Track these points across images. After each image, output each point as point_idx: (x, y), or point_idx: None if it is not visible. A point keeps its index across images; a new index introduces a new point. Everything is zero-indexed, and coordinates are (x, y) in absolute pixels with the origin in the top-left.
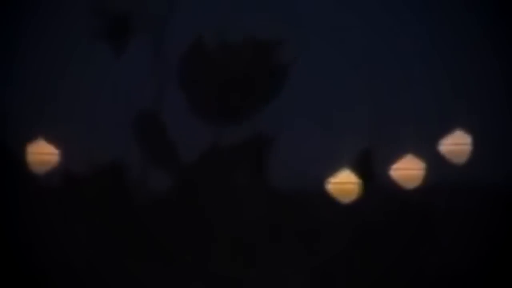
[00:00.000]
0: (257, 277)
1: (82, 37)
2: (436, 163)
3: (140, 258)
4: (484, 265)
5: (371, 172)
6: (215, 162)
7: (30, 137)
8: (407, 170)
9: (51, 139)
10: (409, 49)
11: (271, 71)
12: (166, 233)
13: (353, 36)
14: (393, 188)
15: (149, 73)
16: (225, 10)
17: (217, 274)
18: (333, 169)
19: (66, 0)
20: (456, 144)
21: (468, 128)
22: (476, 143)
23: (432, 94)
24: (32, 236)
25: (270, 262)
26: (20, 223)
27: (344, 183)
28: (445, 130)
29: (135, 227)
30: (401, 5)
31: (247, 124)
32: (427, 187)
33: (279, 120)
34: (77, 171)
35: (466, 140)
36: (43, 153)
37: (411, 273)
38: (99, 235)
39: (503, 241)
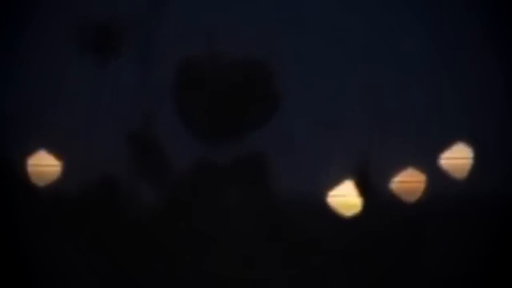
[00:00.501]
0: None
1: (70, 51)
2: (436, 176)
3: (133, 271)
4: (482, 275)
5: (372, 184)
6: (207, 179)
7: (30, 149)
8: (407, 183)
9: (51, 151)
10: (410, 57)
11: (266, 87)
12: (158, 248)
13: (353, 41)
14: (393, 200)
15: (141, 87)
16: (215, 21)
17: None
18: (333, 182)
19: (52, 15)
20: (456, 158)
21: (470, 141)
22: (477, 156)
23: (434, 107)
24: (31, 247)
25: (268, 276)
26: (18, 235)
27: (344, 195)
28: (446, 143)
29: (127, 242)
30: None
31: (243, 139)
32: (427, 200)
33: (278, 135)
34: (70, 185)
35: (467, 154)
36: (43, 165)
37: (408, 284)
38: (92, 249)
39: (502, 253)
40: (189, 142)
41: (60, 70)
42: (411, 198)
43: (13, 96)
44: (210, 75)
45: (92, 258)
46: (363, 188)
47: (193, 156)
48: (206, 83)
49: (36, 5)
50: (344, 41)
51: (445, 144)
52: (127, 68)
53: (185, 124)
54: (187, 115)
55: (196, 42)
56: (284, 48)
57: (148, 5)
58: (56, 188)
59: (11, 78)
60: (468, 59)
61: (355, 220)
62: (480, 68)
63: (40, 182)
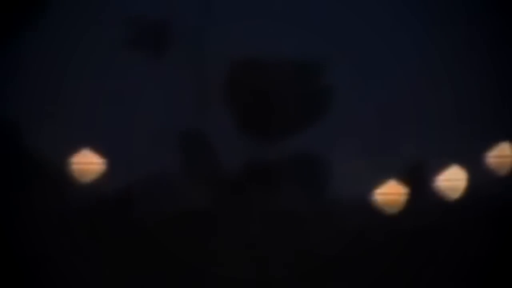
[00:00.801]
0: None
1: (117, 49)
2: (480, 174)
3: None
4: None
5: (418, 183)
6: (259, 178)
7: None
8: (449, 181)
9: (95, 149)
10: (456, 55)
11: (315, 91)
12: (202, 247)
13: (407, 36)
14: (438, 198)
15: (192, 86)
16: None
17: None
18: (380, 181)
19: (96, 10)
20: (501, 157)
21: None
22: None
23: (477, 104)
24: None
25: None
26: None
27: (390, 194)
28: (491, 142)
29: (175, 241)
30: None
31: (292, 142)
32: (469, 199)
33: (326, 137)
34: (116, 183)
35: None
36: (87, 163)
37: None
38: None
39: None
40: (240, 141)
41: (107, 66)
42: (454, 195)
43: (58, 93)
44: (260, 73)
45: (143, 257)
46: (409, 187)
47: (244, 156)
48: (257, 82)
49: None
50: (398, 36)
51: (489, 143)
52: (178, 66)
53: (236, 123)
54: (238, 114)
55: (246, 42)
56: (336, 44)
57: (200, 3)
58: (101, 185)
59: (55, 74)
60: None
61: (400, 217)
62: None
63: (83, 180)
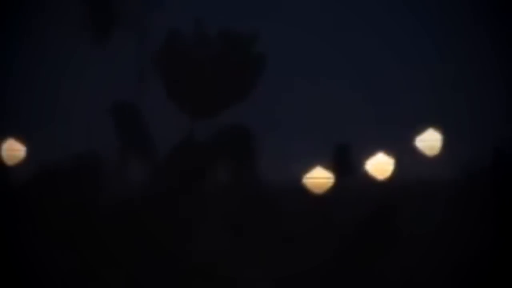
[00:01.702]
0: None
1: (64, 26)
2: (407, 158)
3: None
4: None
5: (346, 167)
6: (192, 155)
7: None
8: (316, 179)
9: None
10: (388, 48)
11: (247, 64)
12: (140, 226)
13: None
14: (365, 181)
15: (128, 65)
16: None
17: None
18: (309, 166)
19: None
20: (427, 141)
21: (440, 125)
22: (446, 140)
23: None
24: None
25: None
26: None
27: (318, 178)
28: (418, 127)
29: (110, 221)
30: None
31: (225, 117)
32: (400, 183)
33: (260, 114)
34: (53, 162)
35: (437, 136)
36: (12, 150)
37: (376, 268)
38: (74, 228)
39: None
40: (174, 116)
41: (46, 45)
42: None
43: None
44: (194, 49)
45: (76, 239)
46: (337, 171)
47: (178, 130)
48: (191, 56)
49: None
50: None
51: (417, 129)
52: (117, 46)
53: (169, 97)
54: (172, 89)
55: (184, 22)
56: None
57: None
58: (38, 166)
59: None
60: (444, 53)
61: (328, 200)
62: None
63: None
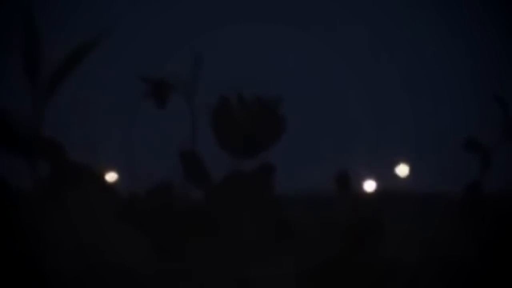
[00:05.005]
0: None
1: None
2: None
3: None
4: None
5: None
6: (236, 184)
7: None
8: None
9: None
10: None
11: (274, 122)
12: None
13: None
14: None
15: (188, 122)
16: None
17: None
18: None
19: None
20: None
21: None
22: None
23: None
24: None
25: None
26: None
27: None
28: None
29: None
30: None
31: (258, 158)
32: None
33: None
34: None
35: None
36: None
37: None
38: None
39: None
40: (222, 158)
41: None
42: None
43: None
44: (235, 110)
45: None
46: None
47: (225, 167)
48: (233, 116)
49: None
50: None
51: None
52: (177, 108)
53: (220, 145)
54: (222, 140)
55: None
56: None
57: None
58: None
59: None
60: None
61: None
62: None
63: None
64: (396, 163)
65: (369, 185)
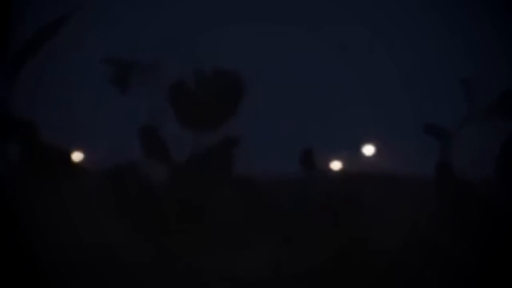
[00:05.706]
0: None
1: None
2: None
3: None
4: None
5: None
6: (199, 160)
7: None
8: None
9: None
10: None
11: (238, 93)
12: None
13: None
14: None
15: (149, 101)
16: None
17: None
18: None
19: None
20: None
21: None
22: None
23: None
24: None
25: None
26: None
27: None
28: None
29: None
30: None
31: (220, 130)
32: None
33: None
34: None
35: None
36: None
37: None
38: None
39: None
40: (183, 133)
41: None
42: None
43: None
44: (198, 87)
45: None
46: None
47: (188, 142)
48: (195, 91)
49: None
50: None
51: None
52: (139, 89)
53: (180, 120)
54: (182, 114)
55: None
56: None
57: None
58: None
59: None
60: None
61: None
62: None
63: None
64: (364, 143)
65: (336, 164)
